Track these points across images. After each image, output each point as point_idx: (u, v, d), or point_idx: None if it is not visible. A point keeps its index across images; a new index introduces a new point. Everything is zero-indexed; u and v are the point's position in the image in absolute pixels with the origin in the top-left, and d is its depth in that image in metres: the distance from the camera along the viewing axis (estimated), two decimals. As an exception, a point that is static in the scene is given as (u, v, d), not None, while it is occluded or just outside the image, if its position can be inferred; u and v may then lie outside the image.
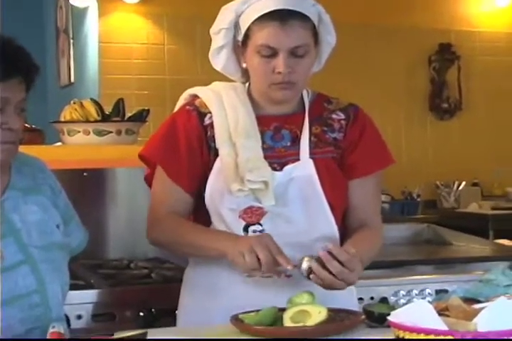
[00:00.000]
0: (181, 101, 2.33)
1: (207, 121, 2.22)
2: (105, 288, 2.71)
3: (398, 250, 3.62)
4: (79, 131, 3.26)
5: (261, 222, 2.14)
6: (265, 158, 2.16)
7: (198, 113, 2.23)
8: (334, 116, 2.26)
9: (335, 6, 6.82)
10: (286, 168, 2.17)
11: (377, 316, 1.90)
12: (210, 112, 2.22)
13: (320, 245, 2.16)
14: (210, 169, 2.18)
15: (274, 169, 2.16)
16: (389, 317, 1.65)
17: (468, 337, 1.52)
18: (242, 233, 2.14)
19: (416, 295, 2.93)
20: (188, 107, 2.26)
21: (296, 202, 2.16)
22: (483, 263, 3.18)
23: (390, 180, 6.40)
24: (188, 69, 5.85)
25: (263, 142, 2.19)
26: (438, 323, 1.55)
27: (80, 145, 3.25)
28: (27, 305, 1.82)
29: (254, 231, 2.14)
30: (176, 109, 2.33)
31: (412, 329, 1.57)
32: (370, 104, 6.72)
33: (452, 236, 3.76)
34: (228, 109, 2.20)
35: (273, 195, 2.13)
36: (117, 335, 1.73)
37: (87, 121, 3.30)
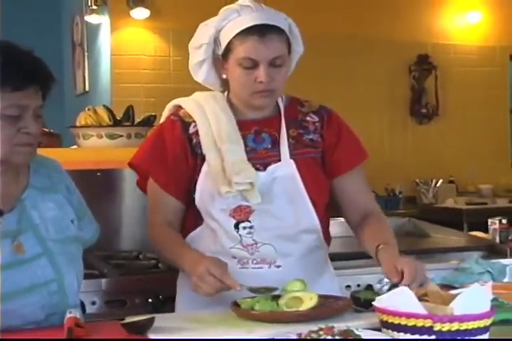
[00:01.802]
0: (166, 111, 2.30)
1: (191, 129, 2.18)
2: (117, 277, 2.70)
3: (382, 241, 3.61)
4: (93, 135, 3.25)
5: (250, 218, 2.12)
6: (248, 159, 2.13)
7: (182, 123, 2.20)
8: (308, 118, 2.23)
9: (323, 20, 6.85)
10: (269, 168, 2.15)
11: (363, 302, 1.90)
12: (194, 121, 2.19)
13: (303, 236, 2.16)
14: (198, 173, 2.15)
15: (258, 169, 2.13)
16: (374, 303, 1.65)
17: (446, 319, 1.52)
18: (233, 230, 2.12)
19: (398, 282, 2.92)
20: (172, 117, 2.23)
21: (281, 199, 2.14)
22: (458, 253, 3.17)
23: (374, 177, 6.41)
24: (191, 79, 5.82)
25: (245, 145, 2.16)
26: (418, 308, 1.56)
27: (93, 147, 3.24)
28: (46, 292, 1.82)
29: (245, 228, 2.12)
30: (162, 118, 2.30)
31: (394, 313, 1.57)
32: (356, 110, 6.75)
33: (431, 229, 3.75)
34: (210, 117, 2.17)
35: (259, 194, 2.11)
36: (128, 320, 1.73)
37: (100, 126, 3.29)
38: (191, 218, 2.20)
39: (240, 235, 2.12)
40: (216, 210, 2.13)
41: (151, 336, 1.69)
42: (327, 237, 2.27)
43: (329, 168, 2.23)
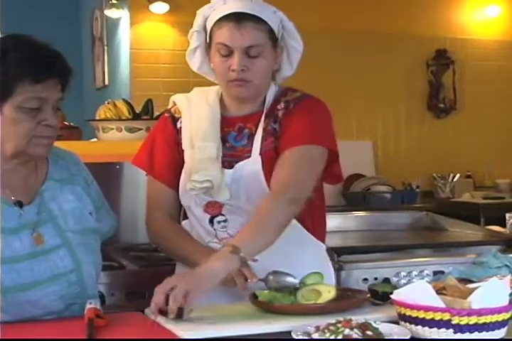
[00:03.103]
0: (169, 107, 2.31)
1: (178, 125, 2.20)
2: (136, 269, 2.71)
3: (399, 235, 3.61)
4: (112, 128, 3.26)
5: (223, 212, 2.13)
6: (226, 156, 2.13)
7: (172, 119, 2.22)
8: (278, 106, 2.17)
9: (340, 16, 6.82)
10: (237, 165, 2.13)
11: (381, 295, 1.89)
12: (181, 117, 2.21)
13: None
14: (181, 170, 2.18)
15: (231, 167, 2.12)
16: (391, 296, 1.64)
17: (464, 313, 1.51)
18: (208, 224, 2.14)
19: (415, 276, 2.92)
20: (165, 114, 2.26)
21: (247, 195, 2.12)
22: (475, 247, 3.16)
23: (392, 172, 6.43)
24: (210, 73, 5.83)
25: (226, 142, 2.15)
26: (436, 301, 1.55)
27: (113, 141, 3.25)
28: (66, 283, 1.83)
29: (219, 222, 2.14)
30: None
31: (412, 307, 1.56)
32: (373, 104, 6.72)
33: (448, 223, 3.74)
34: (194, 113, 2.17)
35: (224, 191, 2.10)
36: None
37: (120, 120, 3.30)
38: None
39: (215, 229, 2.14)
40: (193, 205, 2.15)
41: (170, 326, 1.69)
42: (313, 229, 2.21)
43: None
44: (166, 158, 2.20)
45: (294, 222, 2.12)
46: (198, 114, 2.17)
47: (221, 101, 2.21)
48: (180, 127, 2.20)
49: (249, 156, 2.13)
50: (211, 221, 2.14)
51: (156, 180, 2.21)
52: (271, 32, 2.12)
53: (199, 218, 2.16)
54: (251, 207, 2.09)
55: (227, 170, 2.12)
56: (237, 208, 2.12)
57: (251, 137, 2.15)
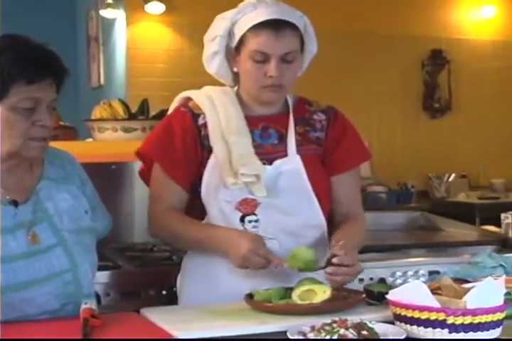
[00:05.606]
0: (175, 103, 2.29)
1: (200, 121, 2.18)
2: (131, 269, 2.71)
3: (394, 235, 3.62)
4: (108, 128, 3.26)
5: (256, 212, 2.11)
6: (255, 154, 2.13)
7: (192, 114, 2.19)
8: (315, 116, 2.23)
9: (337, 16, 6.83)
10: (276, 162, 2.14)
11: (376, 295, 1.89)
12: (203, 113, 2.18)
13: (308, 232, 2.15)
14: (204, 165, 2.14)
15: (264, 164, 2.13)
16: (387, 296, 1.65)
17: (459, 313, 1.51)
18: (239, 223, 2.10)
19: (411, 275, 2.93)
20: (182, 109, 2.22)
21: (287, 193, 2.12)
22: (471, 247, 3.16)
23: (387, 172, 6.44)
24: (205, 73, 5.82)
25: (252, 140, 2.15)
26: (431, 301, 1.55)
27: (108, 141, 3.25)
28: (61, 282, 1.83)
29: (250, 221, 2.10)
30: (171, 109, 2.29)
31: (408, 307, 1.57)
32: (369, 104, 6.73)
33: (443, 223, 3.75)
34: (220, 110, 2.17)
35: (264, 187, 2.10)
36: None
37: (115, 120, 3.30)
38: (195, 213, 2.18)
39: (245, 229, 2.10)
40: (222, 203, 2.11)
41: (166, 326, 1.69)
42: (329, 233, 2.23)
43: (327, 166, 2.22)
44: (181, 154, 2.15)
45: (324, 223, 2.19)
46: (224, 111, 2.16)
47: (239, 100, 2.21)
48: (203, 123, 2.17)
49: (284, 155, 2.15)
50: (242, 219, 2.11)
51: (165, 175, 2.16)
52: (301, 37, 2.15)
53: (228, 216, 2.10)
54: (286, 206, 2.11)
55: (266, 166, 2.13)
56: (271, 206, 2.11)
57: (282, 138, 2.18)
